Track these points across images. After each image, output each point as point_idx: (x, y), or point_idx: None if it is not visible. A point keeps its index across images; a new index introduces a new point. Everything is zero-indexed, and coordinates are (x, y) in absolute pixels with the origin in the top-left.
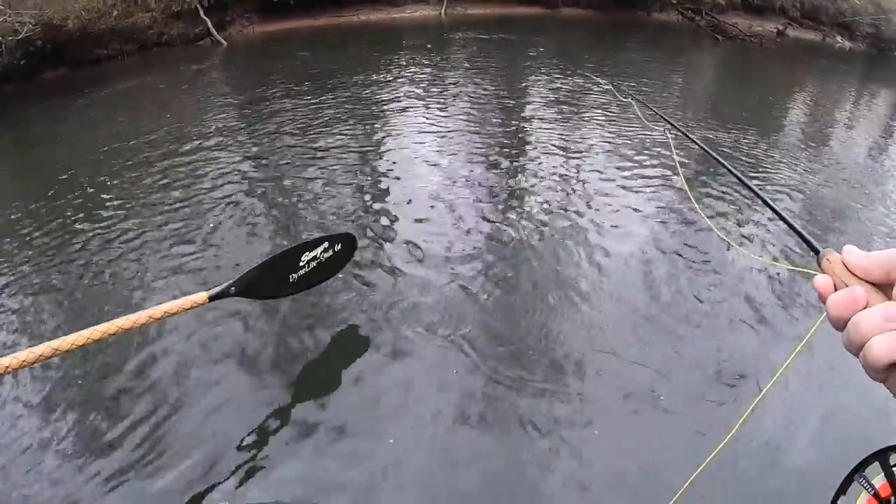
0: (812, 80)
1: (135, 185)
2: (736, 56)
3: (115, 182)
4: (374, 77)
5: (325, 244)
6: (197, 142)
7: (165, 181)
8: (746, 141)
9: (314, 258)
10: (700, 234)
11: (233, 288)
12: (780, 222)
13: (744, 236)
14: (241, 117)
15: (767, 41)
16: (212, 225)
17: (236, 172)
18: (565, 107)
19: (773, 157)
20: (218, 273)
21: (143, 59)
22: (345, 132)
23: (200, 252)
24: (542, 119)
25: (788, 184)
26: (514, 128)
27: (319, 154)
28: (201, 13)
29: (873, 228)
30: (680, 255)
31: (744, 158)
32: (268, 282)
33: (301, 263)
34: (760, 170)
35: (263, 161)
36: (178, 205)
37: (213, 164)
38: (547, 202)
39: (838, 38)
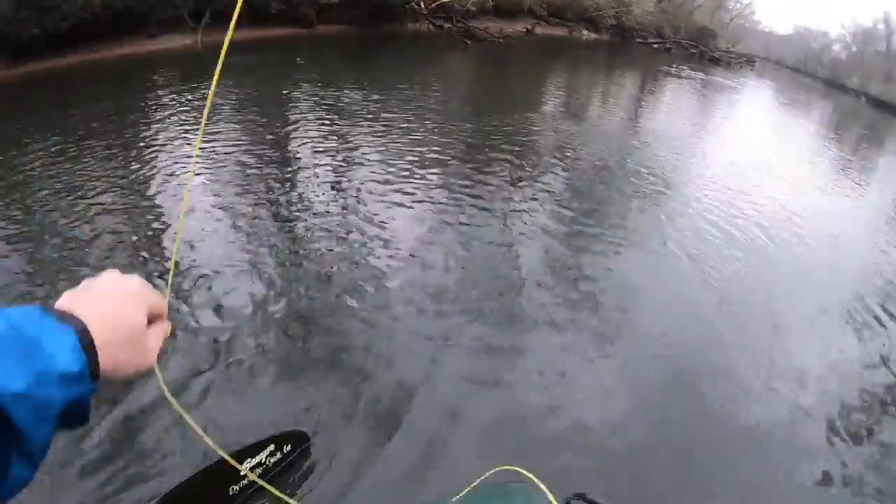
0: (562, 68)
1: None
2: (488, 56)
3: None
4: (134, 119)
5: (272, 447)
6: None
7: None
8: (508, 123)
9: (259, 464)
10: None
11: None
12: None
13: None
14: None
15: (516, 41)
16: None
17: None
18: (328, 119)
19: (535, 136)
20: None
21: None
22: (109, 180)
23: None
24: (308, 134)
25: (552, 160)
26: (282, 146)
27: (89, 209)
28: None
29: (632, 188)
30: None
31: (509, 139)
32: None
33: (242, 473)
34: (526, 149)
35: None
36: None
37: None
38: (331, 218)
39: (584, 32)
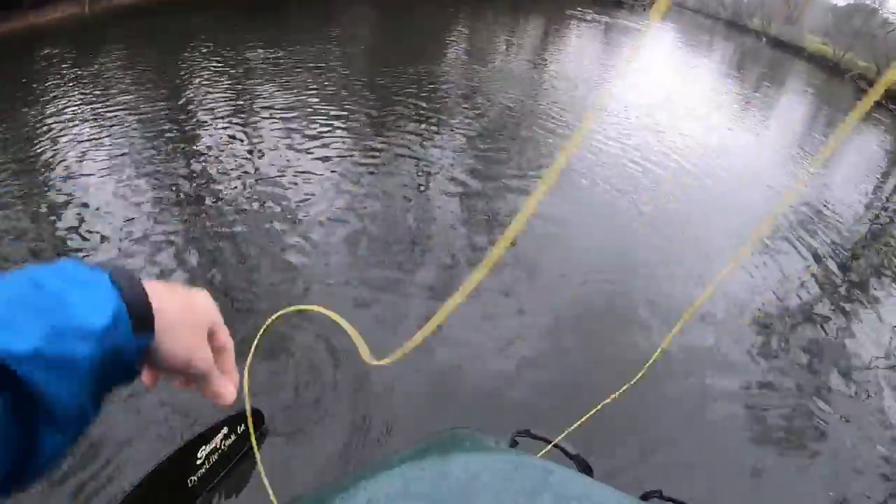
0: (466, 15)
1: None
2: (391, 5)
3: None
4: (30, 98)
5: (225, 430)
6: None
7: None
8: (416, 71)
9: (214, 450)
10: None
11: None
12: None
13: None
14: None
15: None
16: None
17: None
18: (233, 83)
19: (445, 84)
20: None
21: None
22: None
23: None
24: (212, 100)
25: (464, 106)
26: (185, 115)
27: None
28: None
29: (546, 129)
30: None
31: (419, 88)
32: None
33: (199, 462)
34: (436, 96)
35: None
36: None
37: None
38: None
39: None
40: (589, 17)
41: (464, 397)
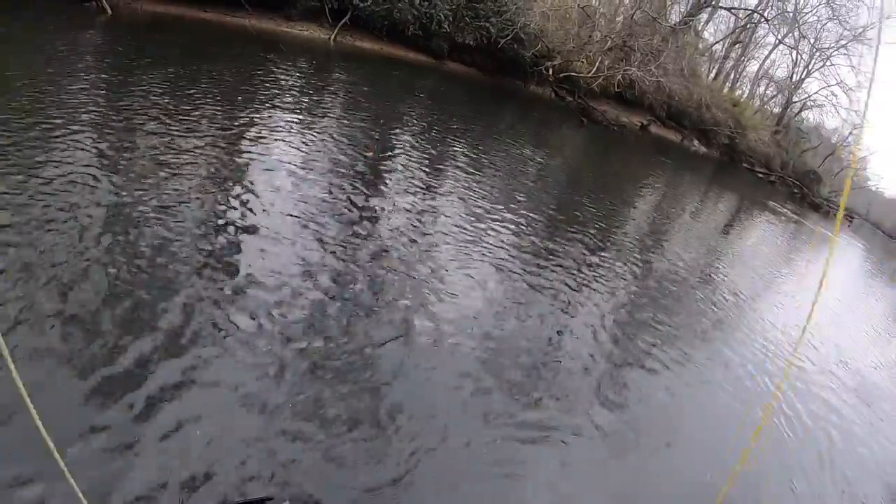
0: (666, 171)
1: None
2: (599, 139)
3: None
4: (249, 87)
5: None
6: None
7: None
8: (599, 206)
9: None
10: None
11: None
12: None
13: None
14: (107, 100)
15: (629, 133)
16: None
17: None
18: (428, 152)
19: (620, 226)
20: None
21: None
22: (207, 141)
23: None
24: (404, 161)
25: (629, 252)
26: (373, 167)
27: (181, 165)
28: None
29: (702, 308)
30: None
31: (594, 220)
32: None
33: None
34: (607, 235)
35: (119, 165)
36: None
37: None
38: (400, 232)
39: (695, 142)
40: (781, 211)
41: None
